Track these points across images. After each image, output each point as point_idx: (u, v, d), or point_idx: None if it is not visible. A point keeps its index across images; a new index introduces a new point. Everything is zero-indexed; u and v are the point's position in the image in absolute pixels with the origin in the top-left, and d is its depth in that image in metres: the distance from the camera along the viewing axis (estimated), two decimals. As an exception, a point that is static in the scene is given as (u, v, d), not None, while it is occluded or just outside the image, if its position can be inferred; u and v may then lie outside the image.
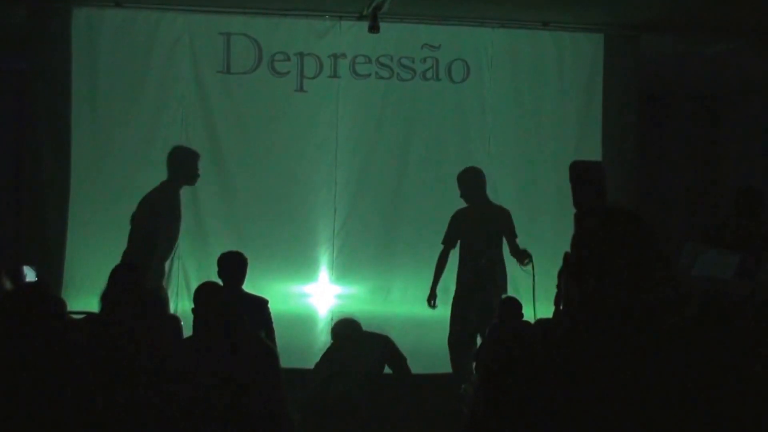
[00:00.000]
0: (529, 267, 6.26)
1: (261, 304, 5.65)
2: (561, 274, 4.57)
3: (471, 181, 6.59)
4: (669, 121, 8.21)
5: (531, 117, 7.25)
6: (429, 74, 7.14)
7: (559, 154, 6.92)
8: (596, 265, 3.23)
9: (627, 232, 3.12)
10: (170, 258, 6.66)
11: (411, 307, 6.94)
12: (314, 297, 7.02)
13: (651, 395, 2.91)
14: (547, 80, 7.24)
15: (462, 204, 6.61)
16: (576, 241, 4.43)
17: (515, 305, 5.57)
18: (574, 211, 4.96)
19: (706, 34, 7.13)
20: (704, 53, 7.47)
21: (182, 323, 5.29)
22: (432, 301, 6.55)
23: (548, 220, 6.95)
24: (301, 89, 7.01)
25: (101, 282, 6.37)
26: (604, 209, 4.53)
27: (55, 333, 4.02)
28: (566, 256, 4.37)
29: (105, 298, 4.83)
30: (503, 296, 5.98)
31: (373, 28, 6.63)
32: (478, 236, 6.49)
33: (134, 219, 6.38)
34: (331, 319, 6.89)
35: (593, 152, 6.94)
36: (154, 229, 6.38)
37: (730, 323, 3.86)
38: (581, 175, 4.84)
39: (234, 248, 5.94)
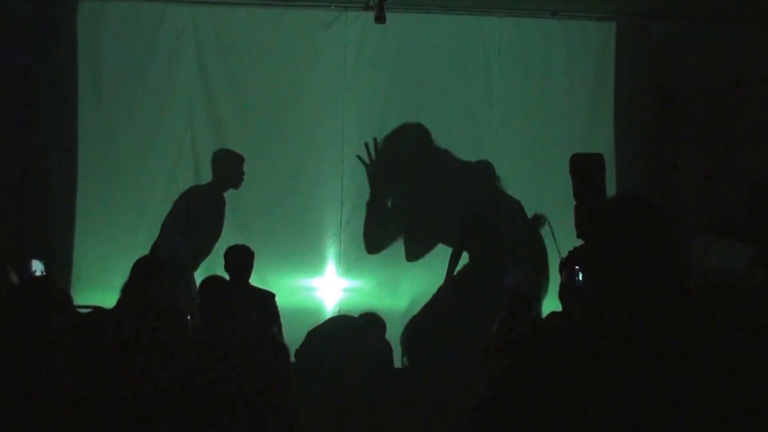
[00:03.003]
0: (547, 229, 6.34)
1: (268, 297, 5.62)
2: (563, 267, 4.52)
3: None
4: (680, 111, 8.12)
5: (540, 107, 7.18)
6: (436, 64, 7.08)
7: (568, 145, 6.81)
8: (609, 255, 3.16)
9: (640, 221, 3.06)
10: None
11: (419, 301, 6.89)
12: (321, 290, 6.97)
13: (663, 388, 2.86)
14: (556, 70, 7.16)
15: None
16: (580, 234, 4.36)
17: (523, 299, 5.51)
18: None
19: (718, 22, 7.05)
20: (717, 42, 7.38)
21: (189, 317, 5.27)
22: None
23: (556, 211, 6.87)
24: (306, 80, 6.97)
25: (110, 275, 6.42)
26: (605, 201, 4.48)
27: (62, 327, 4.00)
28: (571, 252, 4.30)
29: (125, 289, 4.83)
30: (511, 289, 5.93)
31: (380, 19, 6.57)
32: None
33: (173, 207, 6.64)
34: (338, 312, 6.86)
35: (603, 143, 6.86)
36: (187, 223, 6.61)
37: (743, 314, 3.81)
38: (579, 168, 4.80)
39: (240, 242, 5.91)
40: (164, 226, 6.65)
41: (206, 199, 6.76)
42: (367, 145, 6.86)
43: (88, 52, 6.77)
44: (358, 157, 6.83)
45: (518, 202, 6.64)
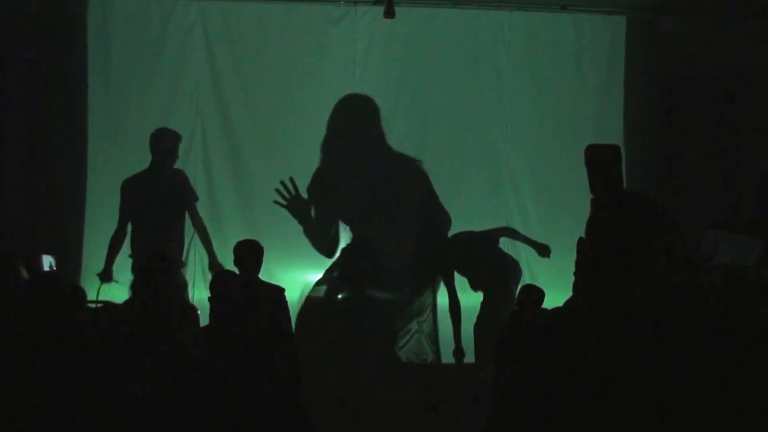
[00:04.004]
0: None
1: (277, 292, 5.61)
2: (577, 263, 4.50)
3: None
4: (690, 105, 8.11)
5: (549, 102, 7.17)
6: (445, 59, 7.07)
7: (578, 140, 6.80)
8: (610, 250, 3.16)
9: (641, 217, 3.05)
10: (188, 243, 6.67)
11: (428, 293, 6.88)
12: (330, 285, 6.97)
13: (668, 380, 2.85)
14: (566, 64, 7.15)
15: None
16: (590, 228, 4.37)
17: (535, 293, 5.50)
18: (591, 196, 4.88)
19: (728, 16, 7.03)
20: (727, 36, 7.36)
21: (199, 312, 5.28)
22: None
23: (567, 206, 6.87)
24: (316, 75, 6.97)
25: (117, 270, 6.43)
26: (619, 194, 4.45)
27: (73, 323, 4.01)
28: (580, 242, 4.32)
29: (136, 284, 4.83)
30: (523, 284, 5.93)
31: (389, 13, 6.58)
32: None
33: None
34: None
35: (613, 137, 6.81)
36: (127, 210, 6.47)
37: (753, 309, 3.80)
38: (595, 158, 4.73)
39: (249, 236, 5.92)
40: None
41: (147, 182, 6.52)
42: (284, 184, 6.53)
43: (97, 47, 6.79)
44: (276, 202, 6.54)
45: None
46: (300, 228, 6.83)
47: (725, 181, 7.92)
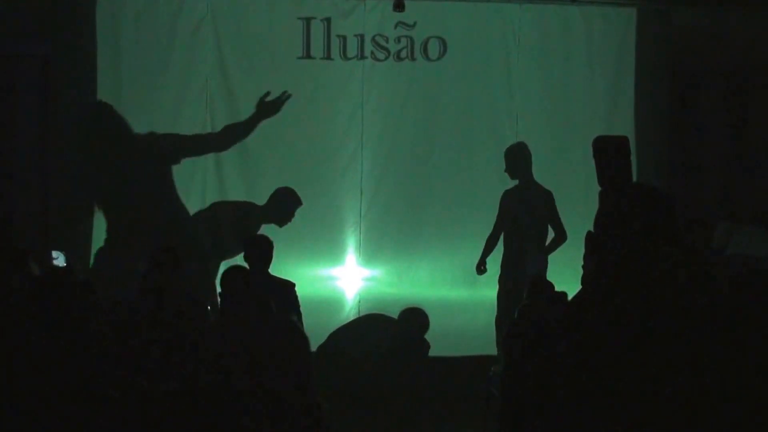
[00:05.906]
0: None
1: (288, 287, 5.61)
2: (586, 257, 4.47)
3: (518, 155, 6.63)
4: (701, 97, 8.07)
5: (560, 95, 7.13)
6: (455, 52, 7.04)
7: (588, 133, 6.77)
8: (615, 241, 3.14)
9: (647, 210, 3.03)
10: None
11: (439, 289, 6.88)
12: (341, 280, 6.98)
13: (676, 375, 2.83)
14: (577, 57, 7.11)
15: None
16: (598, 220, 4.34)
17: (543, 286, 5.48)
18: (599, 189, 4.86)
19: (739, 7, 6.97)
20: (738, 27, 7.31)
21: (209, 308, 5.28)
22: (482, 267, 6.63)
23: (578, 200, 6.84)
24: (325, 70, 6.95)
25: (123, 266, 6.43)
26: (626, 187, 4.41)
27: (83, 318, 4.01)
28: (588, 236, 4.29)
29: (143, 280, 4.83)
30: (532, 276, 5.91)
31: (398, 7, 6.56)
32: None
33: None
34: (359, 301, 6.87)
35: (624, 130, 6.79)
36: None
37: (765, 301, 3.77)
38: (603, 150, 4.69)
39: (260, 231, 5.92)
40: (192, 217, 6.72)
41: (240, 214, 6.79)
42: None
43: (107, 42, 6.80)
44: None
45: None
46: (310, 224, 6.85)
47: (738, 174, 7.88)
